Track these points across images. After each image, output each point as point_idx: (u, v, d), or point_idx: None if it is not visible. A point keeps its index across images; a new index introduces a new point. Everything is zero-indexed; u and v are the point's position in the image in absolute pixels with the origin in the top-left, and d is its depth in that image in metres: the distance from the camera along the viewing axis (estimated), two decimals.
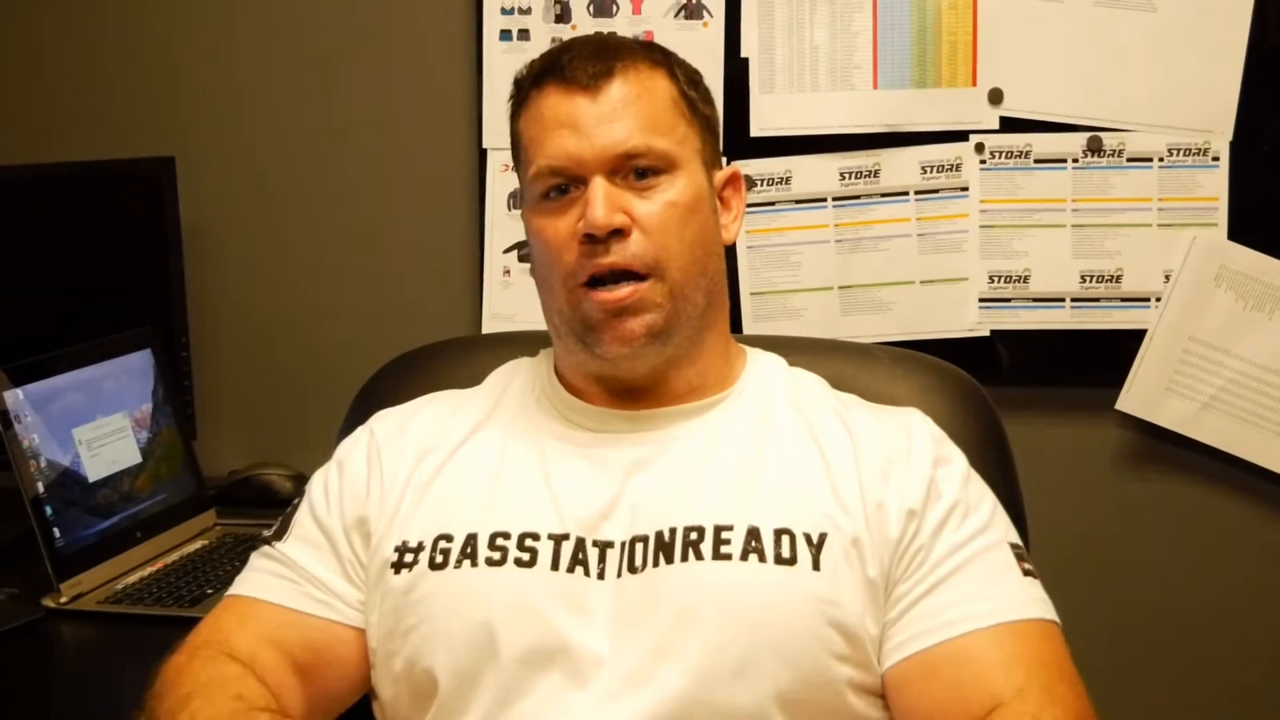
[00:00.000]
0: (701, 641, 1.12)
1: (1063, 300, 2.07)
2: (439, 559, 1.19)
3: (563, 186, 1.21)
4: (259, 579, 1.25)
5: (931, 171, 2.08)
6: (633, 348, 1.20)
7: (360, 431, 1.32)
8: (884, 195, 2.09)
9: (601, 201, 1.18)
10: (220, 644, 1.19)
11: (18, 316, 2.07)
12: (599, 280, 1.20)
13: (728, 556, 1.15)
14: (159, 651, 1.20)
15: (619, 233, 1.19)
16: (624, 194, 1.20)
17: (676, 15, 2.11)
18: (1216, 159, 2.02)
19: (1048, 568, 1.22)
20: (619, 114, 1.20)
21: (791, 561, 1.14)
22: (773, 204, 2.11)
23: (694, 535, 1.16)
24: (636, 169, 1.20)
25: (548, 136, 1.21)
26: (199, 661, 1.17)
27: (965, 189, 2.08)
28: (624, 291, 1.19)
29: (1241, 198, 2.02)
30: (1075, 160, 2.05)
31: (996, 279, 2.08)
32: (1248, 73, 1.99)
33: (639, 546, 1.17)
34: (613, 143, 1.20)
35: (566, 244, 1.20)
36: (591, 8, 2.13)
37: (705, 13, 2.10)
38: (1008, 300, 2.09)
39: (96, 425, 1.81)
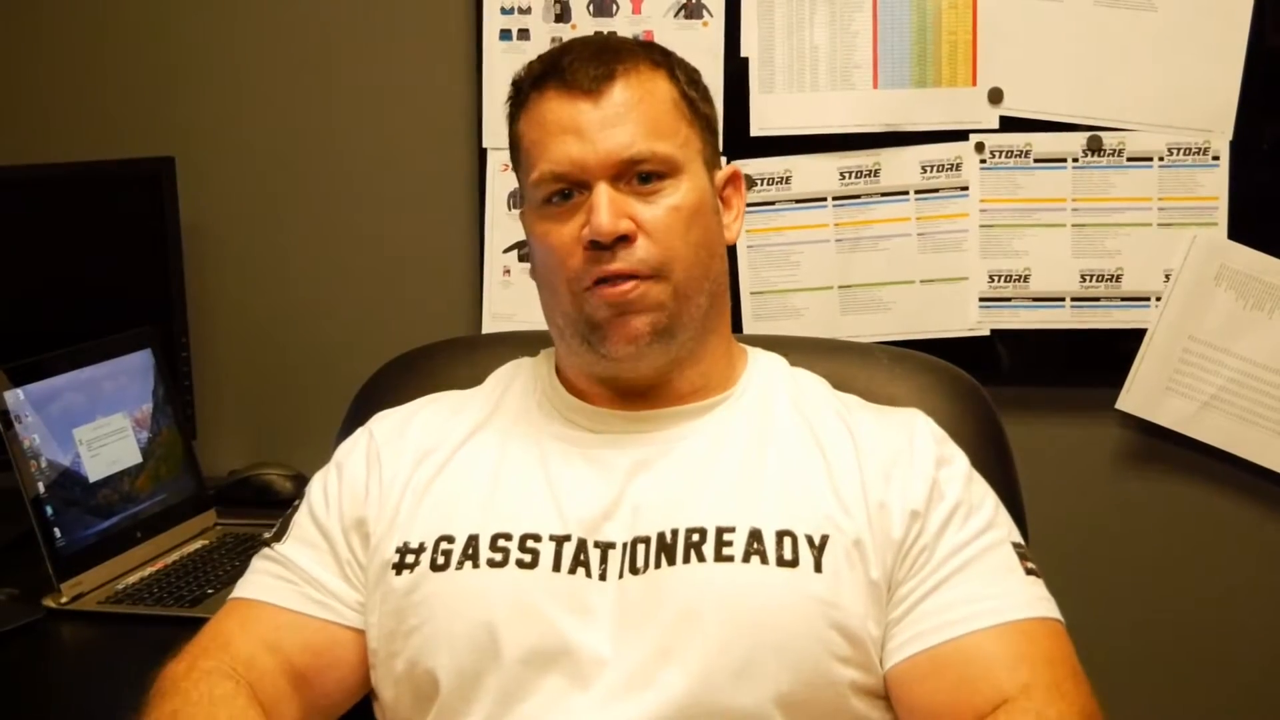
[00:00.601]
0: (703, 643, 1.12)
1: (1063, 300, 2.08)
2: (440, 560, 1.19)
3: (566, 191, 1.21)
4: (259, 581, 1.25)
5: (931, 171, 2.08)
6: (638, 347, 1.20)
7: (360, 433, 1.32)
8: (884, 195, 2.10)
9: (606, 208, 1.18)
10: (220, 651, 1.19)
11: (18, 316, 2.07)
12: (603, 281, 1.19)
13: (730, 558, 1.15)
14: (159, 652, 1.20)
15: (624, 239, 1.18)
16: (628, 199, 1.20)
17: (676, 15, 2.10)
18: (1216, 159, 2.02)
19: (1048, 567, 1.22)
20: (622, 118, 1.20)
21: (793, 563, 1.14)
22: (772, 204, 2.11)
23: (696, 537, 1.16)
24: (640, 174, 1.20)
25: (550, 141, 1.21)
26: (194, 675, 1.17)
27: (965, 188, 2.08)
28: (627, 285, 1.19)
29: (1241, 197, 2.02)
30: (1075, 160, 2.05)
31: (996, 278, 2.08)
32: (1248, 73, 1.99)
33: (640, 548, 1.17)
34: (616, 148, 1.19)
35: (571, 249, 1.20)
36: (591, 7, 2.12)
37: (705, 12, 2.10)
38: (1008, 300, 2.09)
39: (97, 425, 1.81)
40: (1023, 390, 2.05)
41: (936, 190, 2.08)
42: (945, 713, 1.13)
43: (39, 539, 1.68)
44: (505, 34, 2.14)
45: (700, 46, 2.07)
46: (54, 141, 2.27)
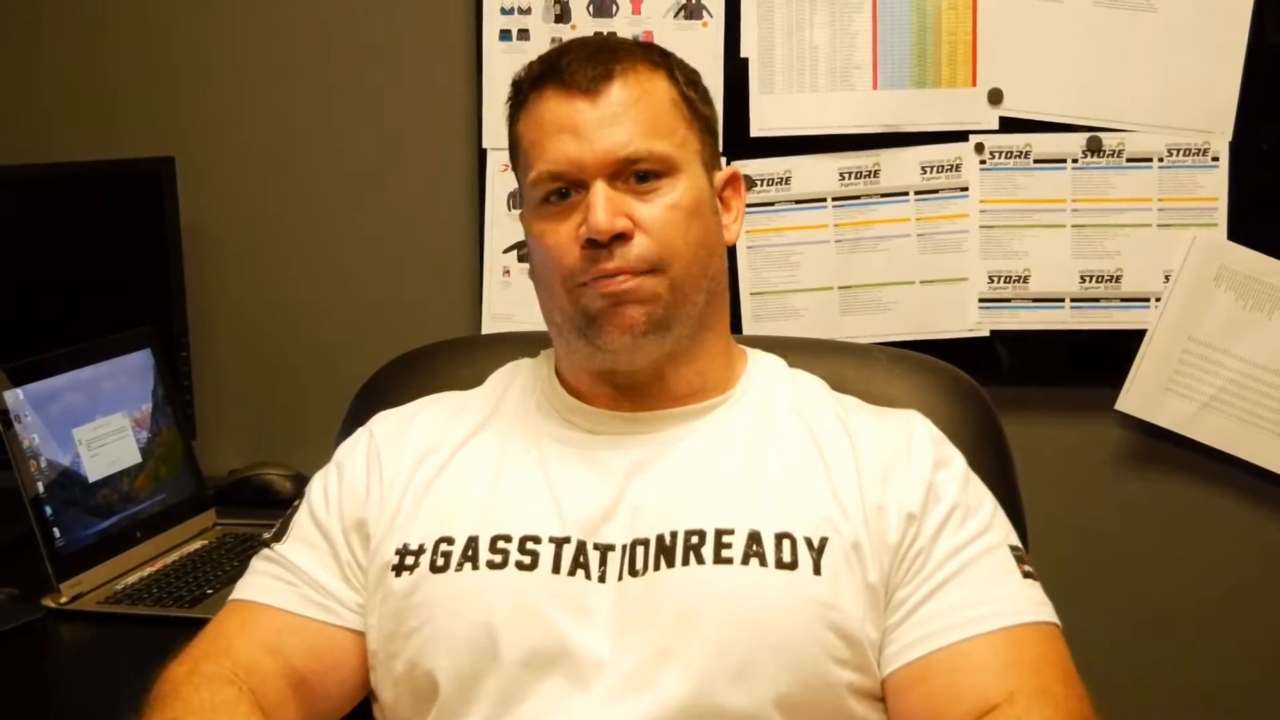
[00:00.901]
0: (702, 645, 1.12)
1: (1062, 300, 2.08)
2: (440, 562, 1.19)
3: (563, 191, 1.21)
4: (259, 582, 1.25)
5: (931, 171, 2.08)
6: (633, 336, 1.20)
7: (360, 433, 1.32)
8: (884, 195, 2.10)
9: (603, 206, 1.18)
10: (221, 655, 1.19)
11: (18, 316, 2.07)
12: (600, 279, 1.19)
13: (729, 560, 1.15)
14: (159, 652, 1.20)
15: (621, 237, 1.18)
16: (625, 198, 1.20)
17: (676, 15, 2.10)
18: (1216, 159, 2.02)
19: (1047, 568, 1.22)
20: (619, 117, 1.20)
21: (792, 566, 1.14)
22: (772, 204, 2.11)
23: (695, 539, 1.16)
24: (637, 173, 1.20)
25: (548, 141, 1.21)
26: (195, 680, 1.16)
27: (965, 189, 2.08)
28: (622, 276, 1.19)
29: (1241, 198, 2.02)
30: (1075, 160, 2.05)
31: (996, 279, 2.08)
32: (1247, 73, 1.99)
33: (640, 550, 1.17)
34: (613, 146, 1.19)
35: (568, 248, 1.20)
36: (591, 8, 2.12)
37: (705, 13, 2.10)
38: (1007, 300, 2.09)
39: (96, 425, 1.81)
40: (1022, 391, 2.05)
41: (936, 191, 2.08)
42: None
43: (38, 539, 1.68)
44: (505, 34, 2.15)
45: (700, 47, 2.07)
46: (54, 141, 2.27)
